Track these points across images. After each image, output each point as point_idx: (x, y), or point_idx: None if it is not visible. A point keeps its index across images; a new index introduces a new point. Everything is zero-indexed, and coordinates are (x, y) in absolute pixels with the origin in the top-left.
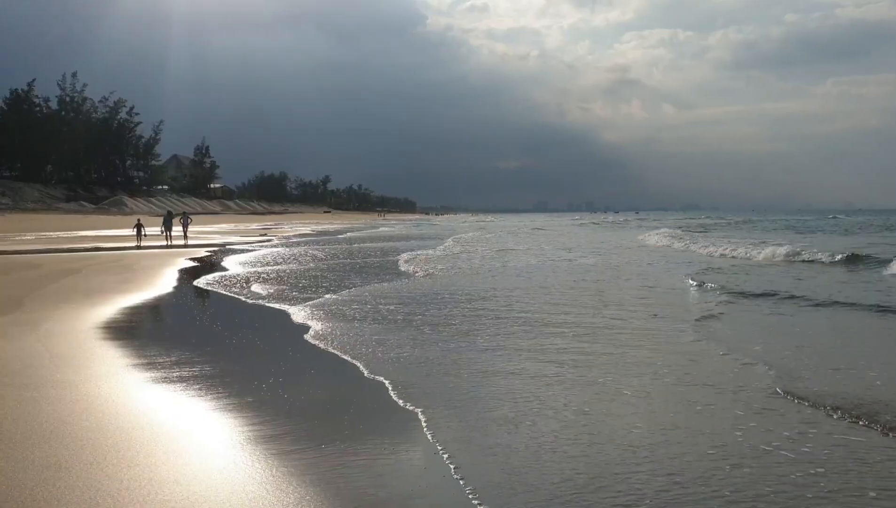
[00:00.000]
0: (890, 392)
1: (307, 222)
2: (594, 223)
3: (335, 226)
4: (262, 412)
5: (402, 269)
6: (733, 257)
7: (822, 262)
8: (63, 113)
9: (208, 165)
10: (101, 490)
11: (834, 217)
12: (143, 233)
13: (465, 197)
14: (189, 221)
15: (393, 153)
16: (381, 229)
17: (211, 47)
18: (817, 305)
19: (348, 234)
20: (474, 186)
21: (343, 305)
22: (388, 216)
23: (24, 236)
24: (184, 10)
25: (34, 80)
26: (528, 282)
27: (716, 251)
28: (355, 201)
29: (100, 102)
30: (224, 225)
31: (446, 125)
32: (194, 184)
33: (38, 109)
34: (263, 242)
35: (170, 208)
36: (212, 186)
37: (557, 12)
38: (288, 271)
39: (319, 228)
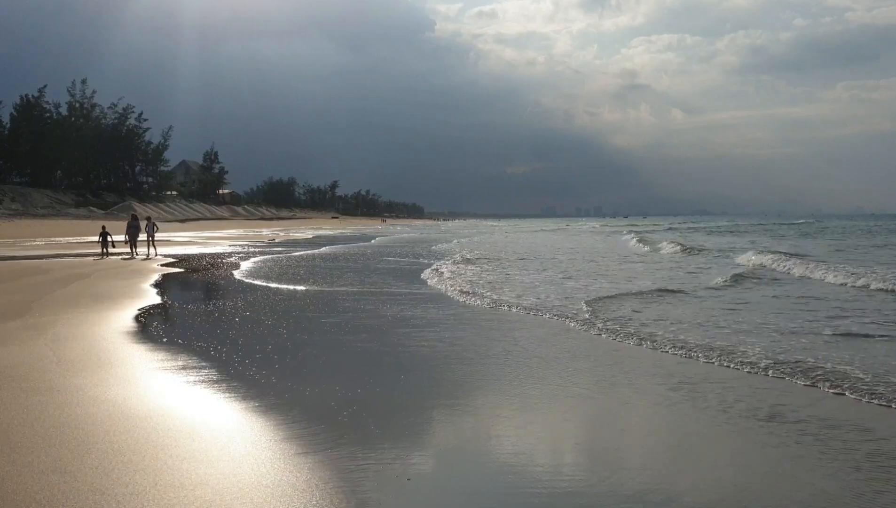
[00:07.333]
0: None
1: (310, 227)
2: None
3: (323, 232)
4: (270, 416)
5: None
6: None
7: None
8: (73, 119)
9: (217, 171)
10: (106, 494)
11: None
12: (109, 241)
13: (473, 202)
14: (155, 228)
15: (401, 158)
16: (324, 232)
17: (221, 54)
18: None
19: (299, 237)
20: (483, 192)
21: None
22: (391, 221)
23: (34, 241)
24: (194, 17)
25: (45, 86)
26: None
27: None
28: (363, 206)
29: (109, 108)
30: (233, 231)
31: (455, 130)
32: (203, 189)
33: (48, 115)
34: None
35: (135, 213)
36: (220, 191)
37: (566, 17)
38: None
39: (303, 233)
